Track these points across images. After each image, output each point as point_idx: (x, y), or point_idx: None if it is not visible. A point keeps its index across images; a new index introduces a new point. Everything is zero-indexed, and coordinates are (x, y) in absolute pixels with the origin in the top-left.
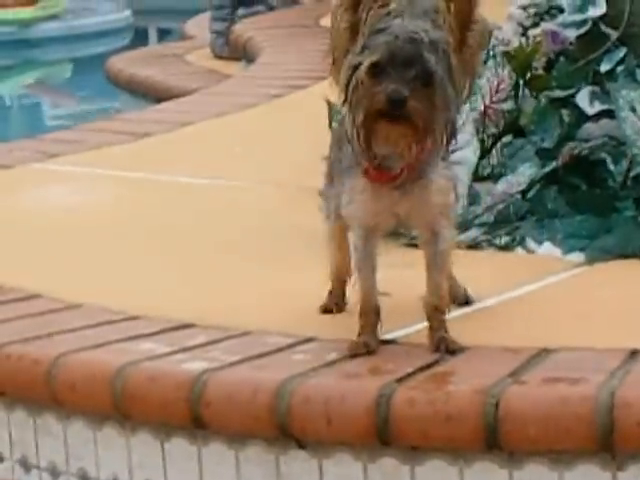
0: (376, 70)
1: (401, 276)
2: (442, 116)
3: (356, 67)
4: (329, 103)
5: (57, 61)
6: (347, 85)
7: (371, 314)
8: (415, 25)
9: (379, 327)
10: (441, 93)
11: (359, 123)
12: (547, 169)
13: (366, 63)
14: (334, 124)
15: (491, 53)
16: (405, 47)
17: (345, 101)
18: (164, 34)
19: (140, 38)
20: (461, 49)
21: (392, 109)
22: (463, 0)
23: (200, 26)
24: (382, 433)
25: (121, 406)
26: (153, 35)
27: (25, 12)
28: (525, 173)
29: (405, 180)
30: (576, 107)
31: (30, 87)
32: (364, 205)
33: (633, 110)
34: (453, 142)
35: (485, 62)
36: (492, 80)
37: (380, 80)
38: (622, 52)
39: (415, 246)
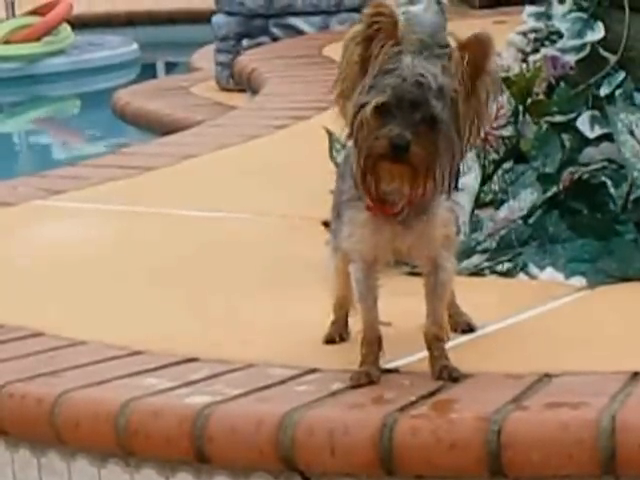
0: (382, 111)
1: (403, 305)
2: (444, 162)
3: (362, 106)
4: (329, 133)
5: (64, 96)
6: (353, 122)
7: (373, 344)
8: (424, 68)
9: (381, 357)
10: (445, 139)
11: (362, 162)
12: (548, 194)
13: (372, 104)
14: (334, 154)
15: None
16: (412, 91)
17: (350, 137)
18: (171, 67)
19: (148, 71)
20: (470, 98)
21: (394, 153)
22: (477, 51)
23: (206, 58)
24: (386, 463)
25: (125, 442)
26: (161, 68)
27: (31, 48)
28: (527, 199)
29: (407, 215)
30: (577, 131)
31: (37, 123)
32: (365, 238)
33: (632, 133)
34: (454, 186)
35: None
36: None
37: (385, 121)
38: (621, 76)
39: (417, 275)
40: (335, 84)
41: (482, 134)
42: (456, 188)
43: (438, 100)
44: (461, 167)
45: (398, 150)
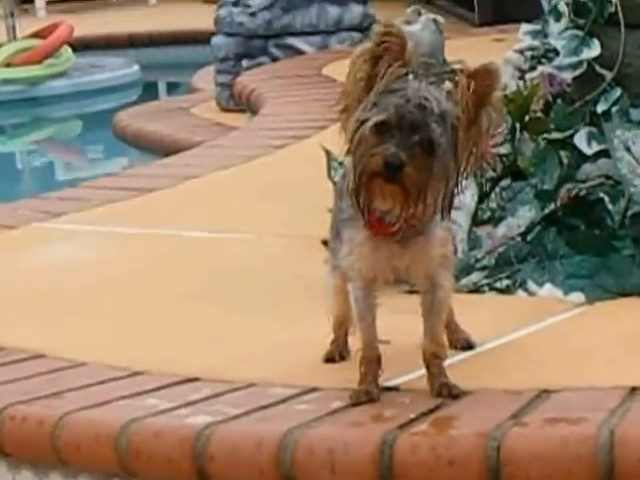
0: (381, 129)
1: (402, 323)
2: (437, 186)
3: (363, 122)
4: (327, 153)
5: (66, 118)
6: (352, 138)
7: (372, 363)
8: (429, 92)
9: (380, 375)
10: (440, 164)
11: (357, 177)
12: (546, 211)
13: (373, 121)
14: (332, 173)
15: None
16: (414, 112)
17: (349, 152)
18: (173, 87)
19: (149, 92)
20: (471, 126)
21: (388, 172)
22: (484, 80)
23: (206, 79)
24: None
25: (126, 463)
26: (162, 88)
27: (33, 70)
28: (525, 215)
29: (405, 234)
30: (574, 148)
31: (39, 144)
32: (363, 257)
33: (628, 150)
34: (449, 209)
35: None
36: None
37: (383, 140)
38: (617, 92)
39: (416, 293)
40: (339, 99)
41: (479, 163)
42: (449, 212)
43: (439, 125)
44: (456, 190)
45: (391, 169)
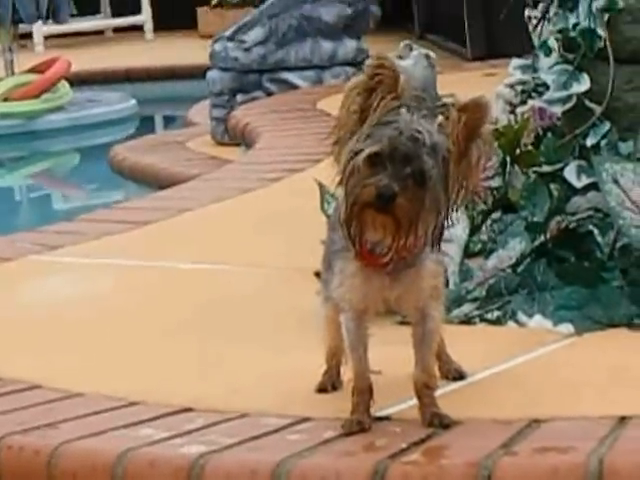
0: (374, 161)
1: (393, 353)
2: (428, 217)
3: (356, 153)
4: (320, 186)
5: (63, 152)
6: (345, 168)
7: (364, 393)
8: (421, 124)
9: (372, 405)
10: (432, 196)
11: (349, 208)
12: (536, 243)
13: (366, 152)
14: (326, 205)
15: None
16: (406, 144)
17: (341, 183)
18: (169, 121)
19: (146, 126)
20: (461, 159)
21: (380, 203)
22: (474, 114)
23: (202, 113)
24: None
25: None
26: (159, 122)
27: (31, 105)
28: (515, 248)
29: (396, 266)
30: (564, 181)
31: (37, 177)
32: (355, 289)
33: (616, 182)
34: (439, 240)
35: None
36: None
37: (376, 171)
38: (606, 126)
39: (407, 324)
40: (332, 131)
41: (470, 195)
42: (439, 243)
43: (430, 157)
44: (447, 222)
45: (384, 200)
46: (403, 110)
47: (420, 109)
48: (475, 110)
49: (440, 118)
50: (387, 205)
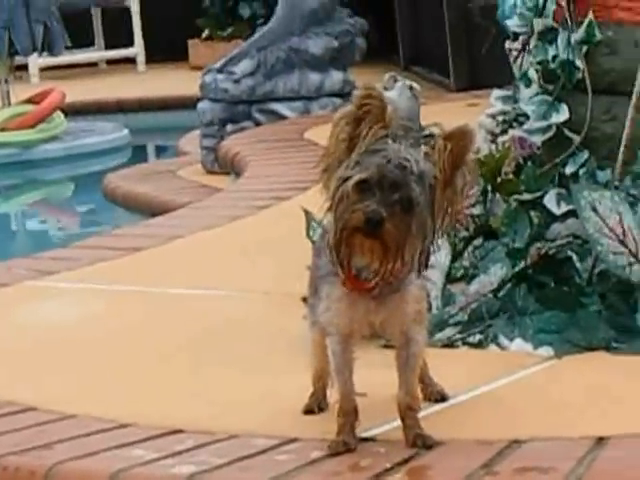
0: (363, 187)
1: (378, 376)
2: (415, 242)
3: (346, 180)
4: (307, 213)
5: (58, 180)
6: (334, 195)
7: (350, 414)
8: (408, 153)
9: (357, 426)
10: (419, 222)
11: (338, 233)
12: (517, 269)
13: (355, 179)
14: (311, 232)
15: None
16: (394, 172)
17: (330, 209)
18: (161, 150)
19: (139, 155)
20: (447, 187)
21: (368, 228)
22: (459, 142)
23: (193, 143)
24: None
25: None
26: (151, 151)
27: (26, 134)
28: (496, 273)
29: (381, 291)
30: (544, 208)
31: (32, 205)
32: (341, 313)
33: (595, 210)
34: (425, 265)
35: None
36: None
37: (365, 197)
38: (585, 155)
39: (392, 347)
40: (321, 159)
41: (453, 222)
42: (425, 268)
43: (417, 184)
44: (432, 248)
45: (372, 225)
46: (391, 139)
47: (407, 138)
48: (460, 138)
49: (426, 147)
50: (375, 230)
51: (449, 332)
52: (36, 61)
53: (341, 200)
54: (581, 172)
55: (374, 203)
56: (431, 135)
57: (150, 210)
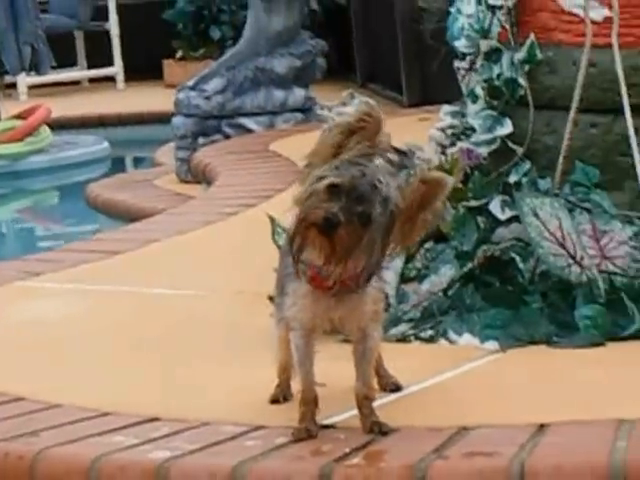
0: (333, 190)
1: (337, 368)
2: (360, 256)
3: (320, 179)
4: (272, 219)
5: (44, 189)
6: (306, 190)
7: (310, 403)
8: (384, 177)
9: (318, 414)
10: (369, 238)
11: (298, 223)
12: (465, 269)
13: (328, 180)
14: (276, 237)
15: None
16: (365, 187)
17: (299, 201)
18: (139, 161)
19: (118, 166)
20: (407, 222)
21: (323, 226)
22: (433, 189)
23: (168, 154)
24: None
25: None
26: (129, 163)
27: (14, 147)
28: (446, 274)
29: (340, 290)
30: (490, 214)
31: (20, 213)
32: (305, 308)
33: (536, 215)
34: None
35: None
36: None
37: (331, 199)
38: (527, 165)
39: (350, 341)
40: (308, 155)
41: (402, 250)
42: (369, 281)
43: (380, 206)
44: (379, 264)
45: (327, 225)
46: (374, 158)
47: (391, 163)
48: (435, 186)
49: (401, 179)
50: (328, 231)
51: (403, 328)
52: (24, 80)
53: (310, 195)
54: (524, 181)
55: (337, 207)
56: (411, 171)
57: (129, 216)
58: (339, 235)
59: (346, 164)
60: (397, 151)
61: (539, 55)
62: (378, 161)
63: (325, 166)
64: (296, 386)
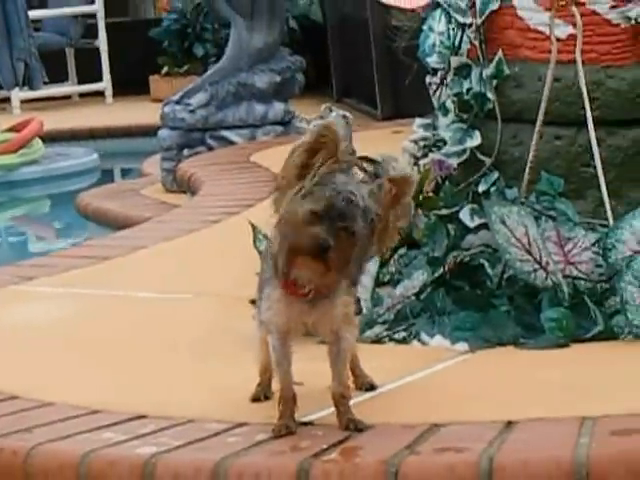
0: (313, 216)
1: (314, 368)
2: (352, 267)
3: (297, 209)
4: (253, 226)
5: (37, 198)
6: (284, 216)
7: (289, 401)
8: (356, 187)
9: (296, 411)
10: (358, 250)
11: (287, 252)
12: (436, 274)
13: (307, 208)
14: (258, 243)
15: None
16: (342, 204)
17: (277, 225)
18: (126, 172)
19: (106, 176)
20: (380, 223)
21: (316, 252)
22: (401, 186)
23: (154, 165)
24: None
25: None
26: (117, 173)
27: (9, 159)
28: (418, 278)
29: (314, 297)
30: (460, 222)
31: (14, 221)
32: (280, 312)
33: (504, 223)
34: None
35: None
36: None
37: (314, 224)
38: (495, 175)
39: (326, 343)
40: (276, 178)
41: (386, 249)
42: (356, 284)
43: (361, 218)
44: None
45: (320, 251)
46: (340, 174)
47: (365, 172)
48: (403, 184)
49: (373, 185)
50: (321, 255)
51: (377, 330)
52: (17, 94)
53: (288, 222)
54: (492, 190)
55: (323, 232)
56: (377, 174)
57: (117, 224)
58: (330, 257)
59: (318, 187)
60: (370, 161)
61: (506, 70)
62: (345, 175)
63: (296, 188)
64: (277, 385)
